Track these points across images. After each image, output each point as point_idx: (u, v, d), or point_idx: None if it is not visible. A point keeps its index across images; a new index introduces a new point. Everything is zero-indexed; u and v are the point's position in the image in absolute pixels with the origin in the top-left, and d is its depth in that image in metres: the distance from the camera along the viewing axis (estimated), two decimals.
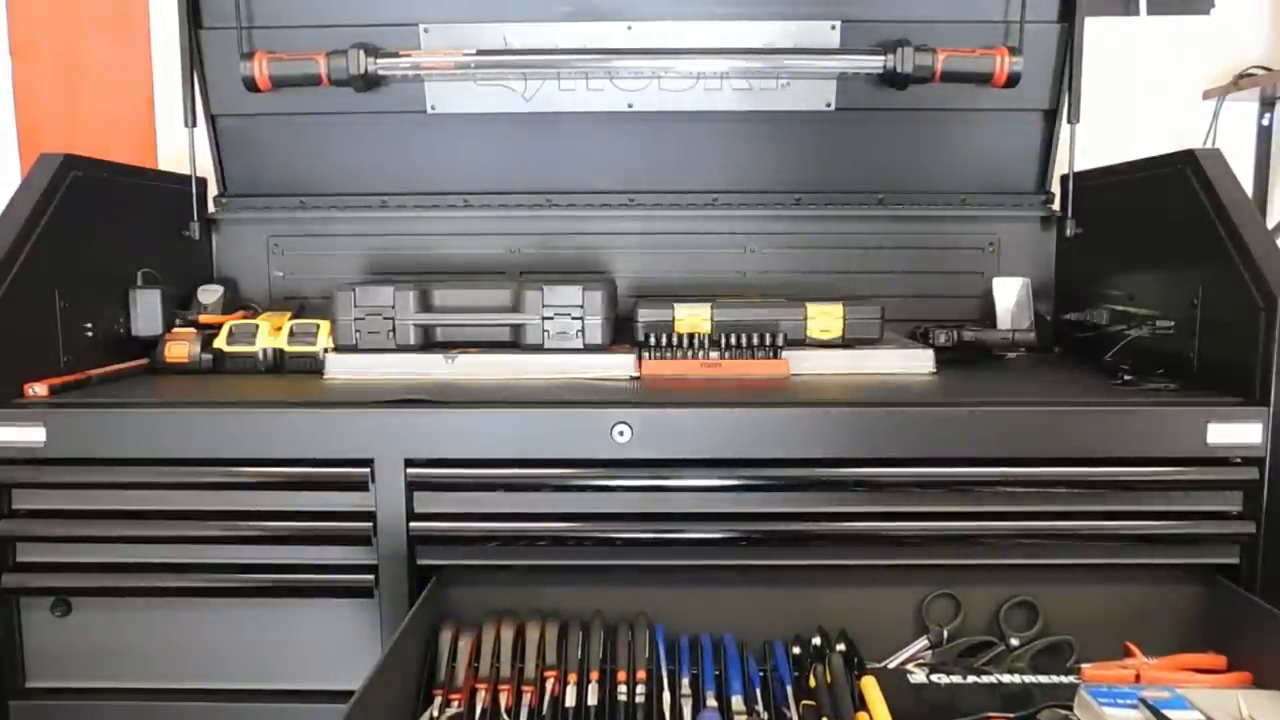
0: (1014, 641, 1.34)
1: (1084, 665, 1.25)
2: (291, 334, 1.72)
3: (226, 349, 1.72)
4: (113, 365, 1.65)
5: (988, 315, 1.97)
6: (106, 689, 1.45)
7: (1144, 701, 1.07)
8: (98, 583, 1.41)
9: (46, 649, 1.45)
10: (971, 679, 1.23)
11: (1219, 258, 1.43)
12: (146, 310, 1.75)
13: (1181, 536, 1.36)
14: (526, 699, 1.21)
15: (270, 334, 1.73)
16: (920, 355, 1.66)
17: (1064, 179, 1.97)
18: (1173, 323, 1.56)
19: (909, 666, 1.29)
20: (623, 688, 1.22)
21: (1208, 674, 1.25)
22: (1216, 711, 1.06)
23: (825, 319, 1.69)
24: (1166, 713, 1.04)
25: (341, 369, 1.64)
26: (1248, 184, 2.25)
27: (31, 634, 1.45)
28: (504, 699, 1.21)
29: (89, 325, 1.64)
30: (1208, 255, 1.47)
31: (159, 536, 1.40)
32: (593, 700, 1.20)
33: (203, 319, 1.82)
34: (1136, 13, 2.24)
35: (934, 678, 1.23)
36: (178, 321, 1.80)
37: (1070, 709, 1.13)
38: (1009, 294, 1.96)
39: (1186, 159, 1.55)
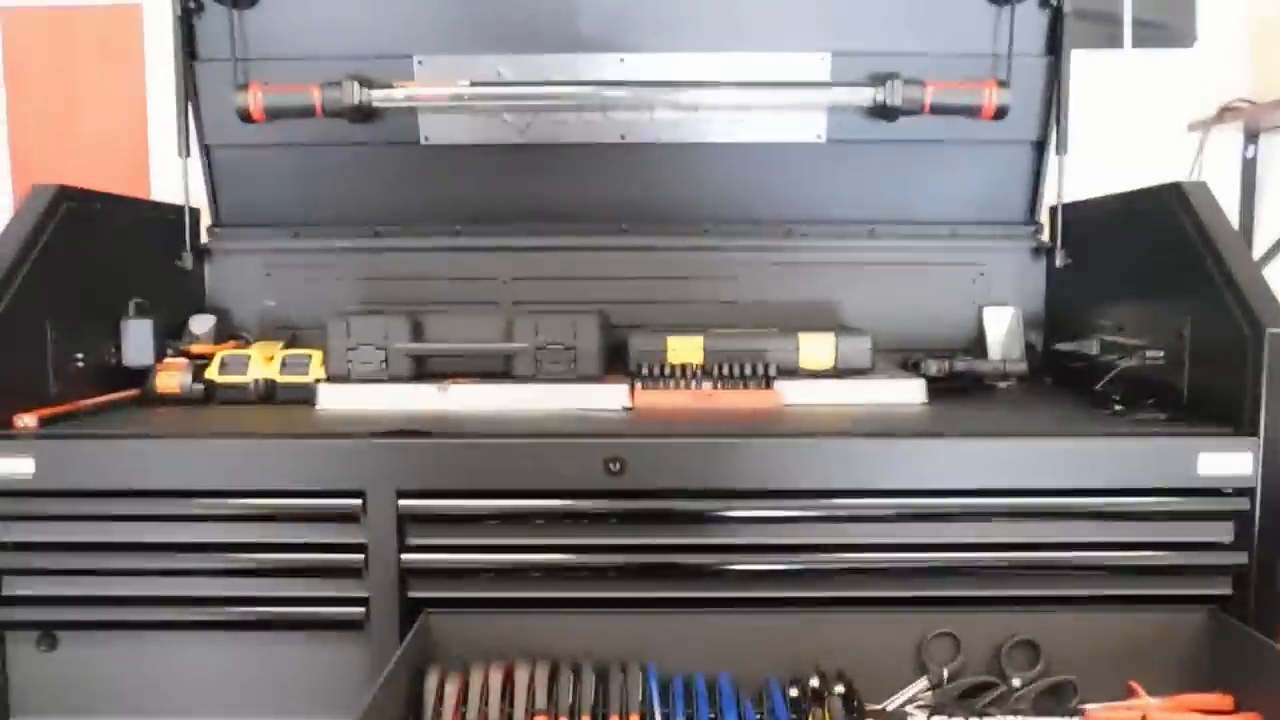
0: (1016, 682, 1.31)
1: (1087, 707, 1.24)
2: (284, 364, 1.72)
3: (218, 379, 1.71)
4: (103, 395, 1.63)
5: (978, 345, 1.98)
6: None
7: None
8: (85, 616, 1.40)
9: (32, 683, 1.43)
10: None
11: (1206, 288, 1.44)
12: (137, 340, 1.74)
13: (1174, 568, 1.36)
14: None
15: (262, 364, 1.72)
16: (912, 386, 1.67)
17: (1053, 210, 1.98)
18: (1162, 353, 1.56)
19: (909, 709, 1.27)
20: None
21: (1215, 714, 1.24)
22: None
23: (817, 349, 1.70)
24: None
25: (333, 399, 1.64)
26: (1233, 214, 2.27)
27: (17, 668, 1.43)
28: None
29: (80, 356, 1.63)
30: (1195, 286, 1.48)
31: (148, 569, 1.38)
32: None
33: (194, 349, 1.81)
34: (1121, 46, 2.27)
35: (934, 718, 1.22)
36: (169, 351, 1.79)
37: None
38: (999, 324, 1.97)
39: (1173, 191, 1.57)
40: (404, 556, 1.35)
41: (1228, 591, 1.36)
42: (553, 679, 1.25)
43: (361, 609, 1.36)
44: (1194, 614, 1.35)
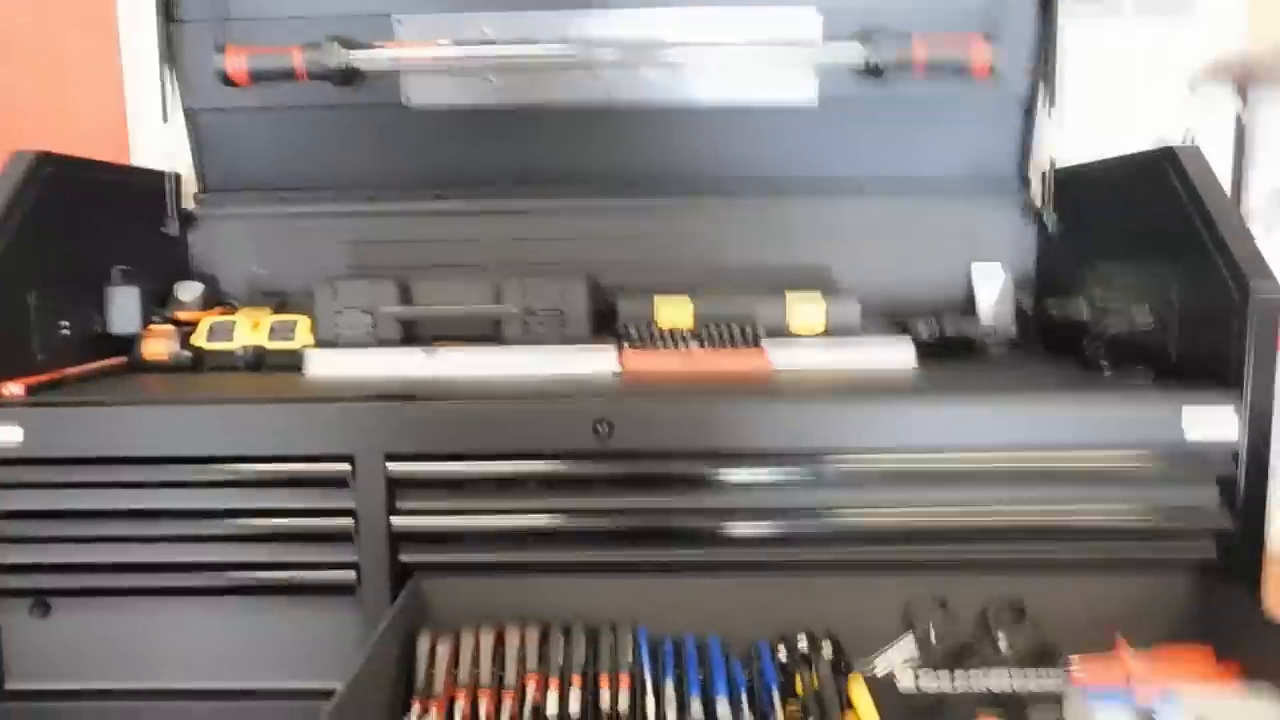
0: (1002, 643, 1.33)
1: (1073, 665, 1.25)
2: (271, 330, 1.71)
3: (205, 346, 1.71)
4: (90, 364, 1.63)
5: (968, 307, 1.98)
6: (87, 690, 1.43)
7: (1135, 703, 1.07)
8: (77, 583, 1.40)
9: (26, 650, 1.44)
10: (960, 679, 1.23)
11: (1197, 252, 1.44)
12: (123, 308, 1.73)
13: (1160, 530, 1.37)
14: (507, 706, 1.19)
15: (250, 330, 1.71)
16: (901, 348, 1.67)
17: (1044, 172, 1.97)
18: (1152, 316, 1.57)
19: (896, 668, 1.29)
20: (605, 693, 1.20)
21: (1196, 667, 1.25)
22: (1208, 711, 1.06)
23: (806, 311, 1.69)
24: (1158, 713, 1.04)
25: (322, 365, 1.64)
26: (1226, 176, 2.26)
27: (10, 635, 1.43)
28: (484, 706, 1.19)
29: (65, 324, 1.62)
30: (1186, 249, 1.47)
31: (139, 536, 1.38)
32: (575, 707, 1.18)
33: (181, 316, 1.80)
34: (1116, 4, 2.25)
35: (921, 680, 1.23)
36: (155, 319, 1.78)
37: (1061, 710, 1.13)
38: (989, 286, 1.97)
39: (1166, 155, 1.56)
40: (394, 520, 1.36)
41: (1213, 553, 1.38)
42: (544, 641, 1.27)
43: (352, 573, 1.37)
44: (1180, 576, 1.36)
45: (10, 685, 1.44)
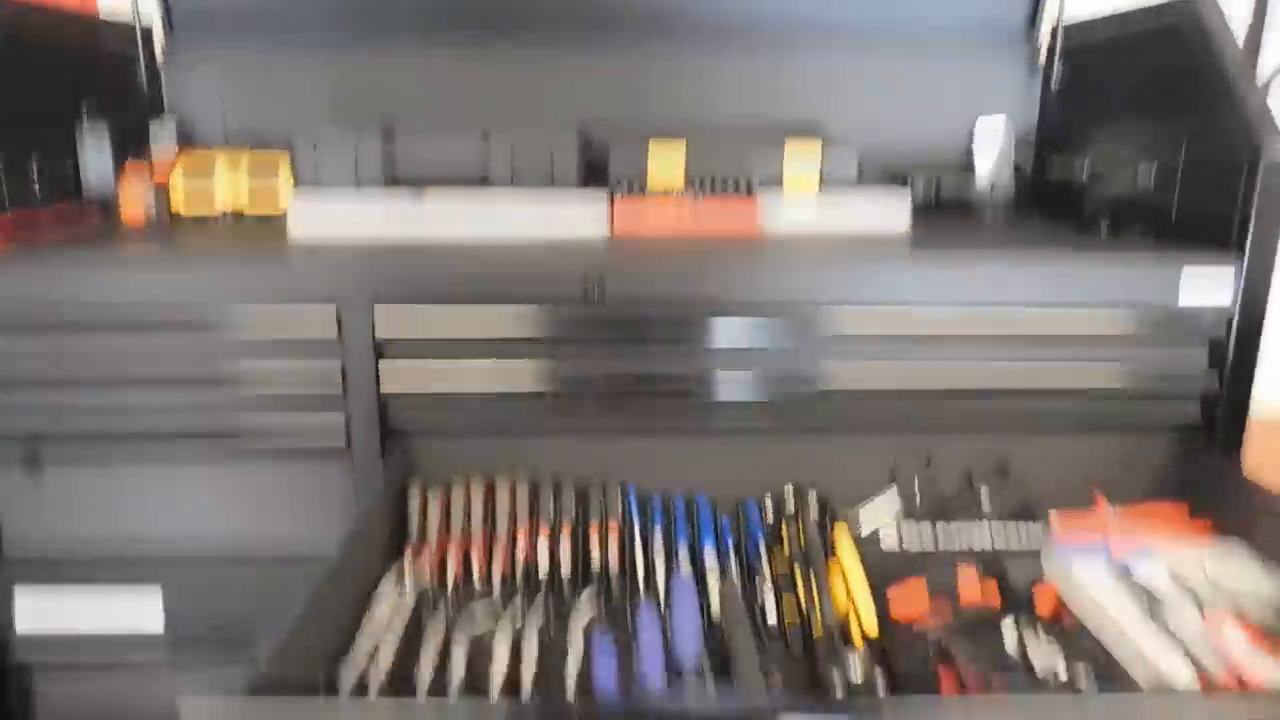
0: (985, 499, 1.35)
1: (1053, 521, 1.28)
2: (251, 174, 1.64)
3: (183, 195, 1.65)
4: (65, 215, 1.58)
5: (967, 164, 1.93)
6: (80, 548, 1.44)
7: (1111, 557, 1.09)
8: (66, 440, 1.39)
9: (19, 505, 1.44)
10: (941, 535, 1.26)
11: (1208, 110, 1.40)
12: (95, 156, 1.66)
13: (1146, 392, 1.38)
14: (498, 557, 1.21)
15: (228, 175, 1.65)
16: (897, 204, 1.63)
17: (1053, 27, 1.89)
18: (1155, 176, 1.53)
19: (880, 523, 1.31)
20: (595, 545, 1.22)
21: (1170, 523, 1.28)
22: (1181, 567, 1.09)
23: (802, 160, 1.64)
24: (1134, 567, 1.07)
25: (305, 212, 1.58)
26: (1240, 33, 2.18)
27: (3, 490, 1.43)
28: (475, 557, 1.21)
29: (35, 174, 1.55)
30: (1197, 107, 1.43)
31: (125, 394, 1.36)
32: (565, 558, 1.20)
33: (156, 165, 1.73)
34: None
35: (905, 534, 1.25)
36: (129, 170, 1.72)
37: (1039, 564, 1.15)
38: (990, 143, 1.91)
39: (1182, 9, 1.49)
40: (382, 380, 1.35)
41: (1196, 416, 1.39)
42: (533, 495, 1.28)
43: (341, 434, 1.36)
44: (1162, 436, 1.38)
45: (6, 539, 1.45)
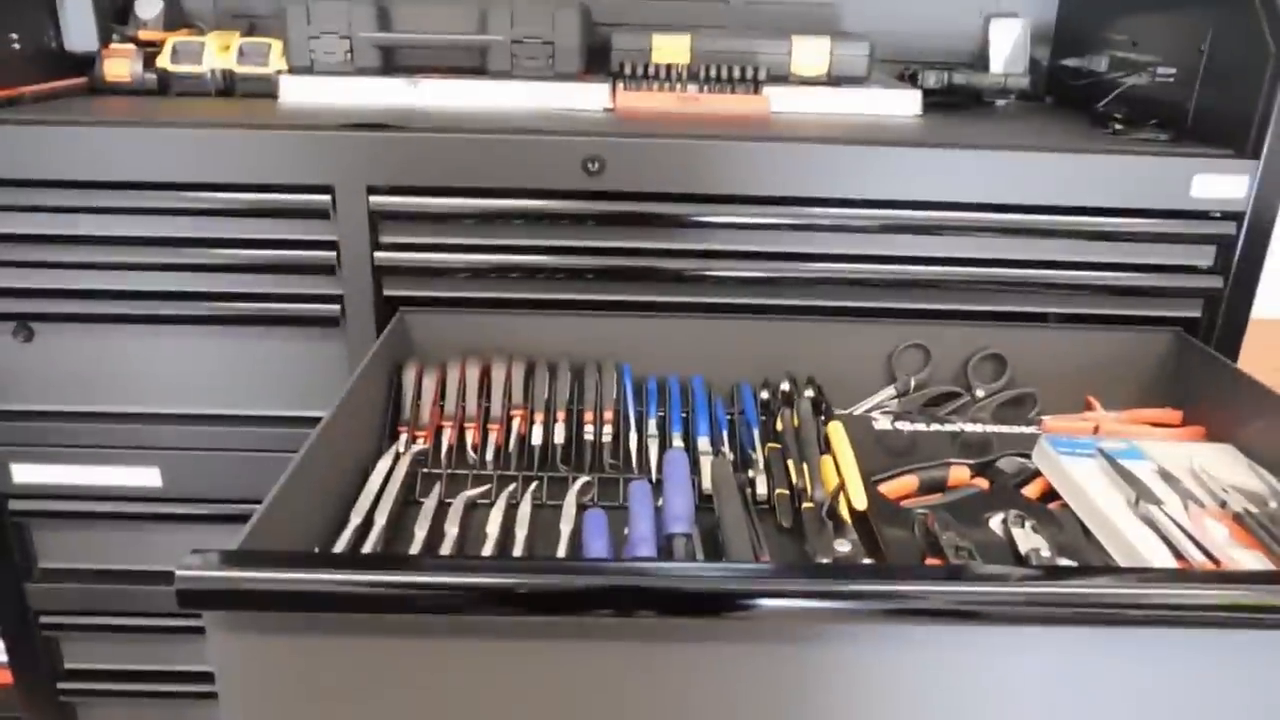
0: (979, 393, 1.35)
1: (1045, 417, 1.29)
2: (241, 53, 1.60)
3: (171, 68, 1.60)
4: (47, 83, 1.53)
5: (981, 59, 1.87)
6: (77, 412, 1.45)
7: (1101, 451, 1.10)
8: (56, 308, 1.38)
9: (12, 374, 1.44)
10: (934, 427, 1.26)
11: (1230, 5, 1.35)
12: (78, 19, 1.60)
13: (1148, 289, 1.37)
14: (493, 437, 1.21)
15: (218, 53, 1.60)
16: (907, 96, 1.59)
17: None
18: (1174, 70, 1.49)
19: (874, 414, 1.32)
20: (589, 427, 1.22)
21: (1164, 427, 1.29)
22: (1169, 463, 1.09)
23: (811, 53, 1.60)
24: (1122, 462, 1.07)
25: (297, 92, 1.54)
26: None
27: None
28: (470, 436, 1.22)
29: (14, 36, 1.50)
30: (1219, 2, 1.38)
31: (116, 263, 1.35)
32: (559, 439, 1.21)
33: (143, 35, 1.68)
34: None
35: (898, 425, 1.26)
36: (115, 37, 1.66)
37: (1029, 457, 1.16)
38: (1005, 36, 1.84)
39: None
40: (377, 254, 1.33)
41: (1196, 314, 1.38)
42: (529, 376, 1.28)
43: (336, 306, 1.36)
44: (1160, 334, 1.37)
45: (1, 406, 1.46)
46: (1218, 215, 1.33)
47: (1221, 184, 1.31)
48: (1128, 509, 1.01)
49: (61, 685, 1.63)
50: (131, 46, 1.62)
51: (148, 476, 1.46)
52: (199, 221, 1.33)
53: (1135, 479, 1.04)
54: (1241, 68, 1.33)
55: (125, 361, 1.43)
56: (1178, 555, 0.94)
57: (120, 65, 1.59)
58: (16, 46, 1.50)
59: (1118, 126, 1.49)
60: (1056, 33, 1.92)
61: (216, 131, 1.30)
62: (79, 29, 1.61)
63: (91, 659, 1.64)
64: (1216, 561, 0.92)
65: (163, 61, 1.60)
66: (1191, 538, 0.95)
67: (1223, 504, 1.02)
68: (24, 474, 1.46)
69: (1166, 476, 1.07)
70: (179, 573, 0.67)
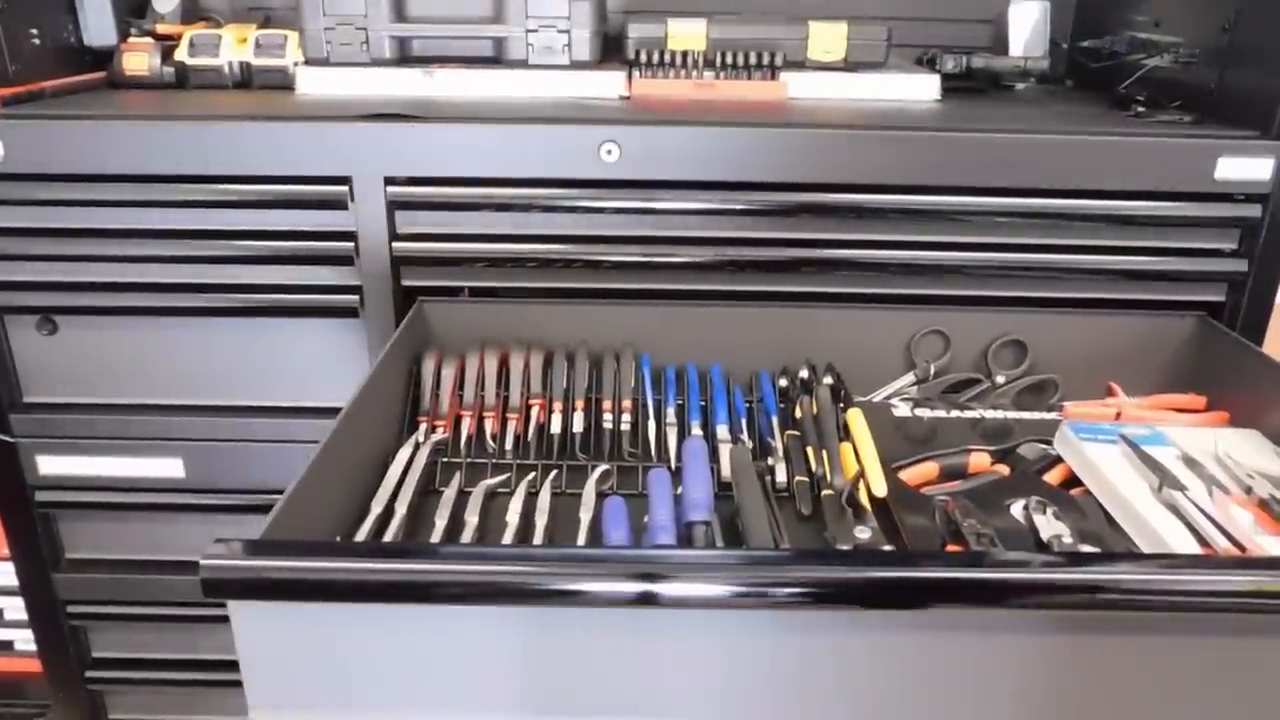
0: (1000, 379, 1.34)
1: (1066, 403, 1.28)
2: (258, 45, 1.60)
3: (189, 62, 1.61)
4: (67, 78, 1.54)
5: (1000, 42, 1.85)
6: (100, 404, 1.47)
7: (1124, 438, 1.09)
8: (81, 302, 1.40)
9: (37, 366, 1.46)
10: (955, 413, 1.25)
11: None
12: (96, 14, 1.61)
13: (1171, 273, 1.36)
14: (511, 426, 1.21)
15: (235, 46, 1.61)
16: (925, 81, 1.57)
17: None
18: (1197, 51, 1.47)
19: (893, 400, 1.31)
20: (608, 416, 1.22)
21: (1187, 413, 1.27)
22: (1193, 448, 1.08)
23: (827, 39, 1.58)
24: (1145, 448, 1.06)
25: (313, 84, 1.55)
26: None
27: (20, 351, 1.45)
28: (489, 426, 1.22)
29: (35, 32, 1.51)
30: None
31: (138, 256, 1.36)
32: (578, 427, 1.21)
33: (160, 29, 1.69)
34: None
35: (918, 412, 1.25)
36: (133, 32, 1.67)
37: (1050, 444, 1.15)
38: (1025, 18, 1.83)
39: None
40: (395, 244, 1.34)
41: (1220, 298, 1.37)
42: (547, 365, 1.28)
43: (355, 296, 1.36)
44: (1182, 320, 1.36)
45: (27, 399, 1.47)
46: (1242, 198, 1.31)
47: (1246, 166, 1.29)
48: (1151, 495, 1.00)
49: (89, 674, 1.66)
50: (149, 41, 1.63)
51: (171, 467, 1.47)
52: (218, 214, 1.34)
53: (1158, 465, 1.03)
54: (1266, 47, 1.31)
55: (147, 353, 1.45)
56: (1202, 541, 0.93)
57: (138, 59, 1.60)
58: (37, 42, 1.51)
59: (1140, 109, 1.47)
60: (1076, 14, 1.89)
61: (234, 124, 1.31)
62: (98, 24, 1.62)
63: (118, 648, 1.66)
64: (1242, 547, 0.91)
65: (180, 55, 1.60)
66: (1216, 524, 0.94)
67: (1248, 490, 1.01)
68: (50, 465, 1.48)
69: (1190, 462, 1.06)
70: (204, 562, 0.68)
